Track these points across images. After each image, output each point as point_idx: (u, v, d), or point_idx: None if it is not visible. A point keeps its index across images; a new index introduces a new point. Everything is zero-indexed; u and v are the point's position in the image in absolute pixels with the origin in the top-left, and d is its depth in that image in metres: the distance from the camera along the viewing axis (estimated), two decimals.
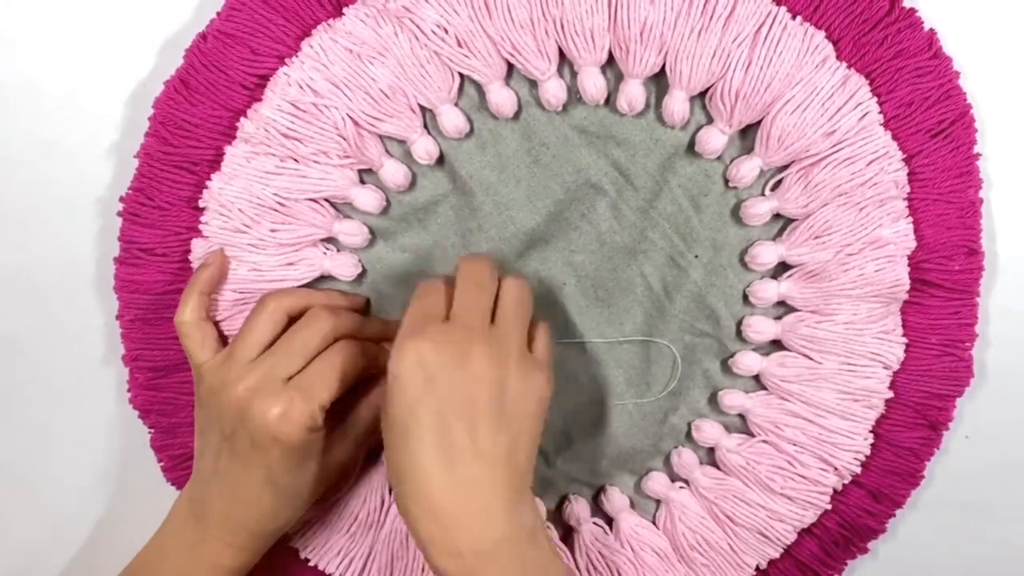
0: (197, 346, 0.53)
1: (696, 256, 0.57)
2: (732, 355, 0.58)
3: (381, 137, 0.55)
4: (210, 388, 0.52)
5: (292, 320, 0.53)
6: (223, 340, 0.55)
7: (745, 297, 0.57)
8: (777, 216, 0.56)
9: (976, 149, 0.54)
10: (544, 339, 0.51)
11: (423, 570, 0.59)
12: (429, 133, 0.55)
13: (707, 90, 0.53)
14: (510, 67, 0.54)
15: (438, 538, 0.46)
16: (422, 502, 0.46)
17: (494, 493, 0.46)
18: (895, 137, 0.53)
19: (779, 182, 0.55)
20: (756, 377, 0.58)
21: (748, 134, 0.55)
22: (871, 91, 0.52)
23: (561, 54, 0.53)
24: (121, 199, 0.55)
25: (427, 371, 0.46)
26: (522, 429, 0.48)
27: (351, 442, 0.55)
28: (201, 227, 0.55)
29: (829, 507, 0.58)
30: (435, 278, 0.51)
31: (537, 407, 0.49)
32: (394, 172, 0.55)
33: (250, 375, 0.50)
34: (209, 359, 0.53)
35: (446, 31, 0.52)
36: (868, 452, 0.57)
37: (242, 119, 0.54)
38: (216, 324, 0.56)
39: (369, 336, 0.55)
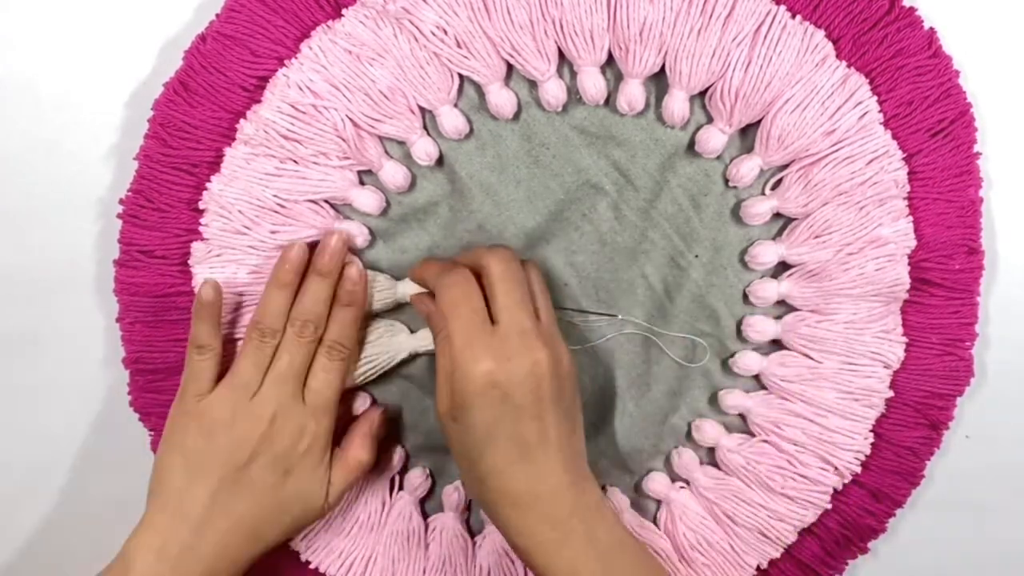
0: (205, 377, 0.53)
1: (696, 256, 0.57)
2: (732, 355, 0.58)
3: (381, 138, 0.55)
4: (221, 421, 0.52)
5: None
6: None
7: (745, 297, 0.57)
8: (777, 215, 0.56)
9: (976, 148, 0.54)
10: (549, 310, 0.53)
11: (424, 571, 0.59)
12: (429, 134, 0.55)
13: (707, 90, 0.53)
14: (510, 68, 0.54)
15: (515, 521, 0.49)
16: (503, 495, 0.49)
17: (563, 474, 0.49)
18: (895, 136, 0.53)
19: (779, 181, 0.55)
20: (756, 377, 0.58)
21: (748, 133, 0.55)
22: (871, 90, 0.52)
23: (561, 54, 0.53)
24: (121, 201, 0.55)
25: (501, 390, 0.48)
26: (576, 409, 0.51)
27: (369, 440, 0.56)
28: (201, 229, 0.55)
29: (829, 507, 0.58)
30: (454, 267, 0.51)
31: (576, 383, 0.52)
32: (394, 173, 0.55)
33: (267, 401, 0.52)
34: (207, 393, 0.53)
35: (445, 32, 0.52)
36: (868, 451, 0.57)
37: (242, 121, 0.54)
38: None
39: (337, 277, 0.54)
